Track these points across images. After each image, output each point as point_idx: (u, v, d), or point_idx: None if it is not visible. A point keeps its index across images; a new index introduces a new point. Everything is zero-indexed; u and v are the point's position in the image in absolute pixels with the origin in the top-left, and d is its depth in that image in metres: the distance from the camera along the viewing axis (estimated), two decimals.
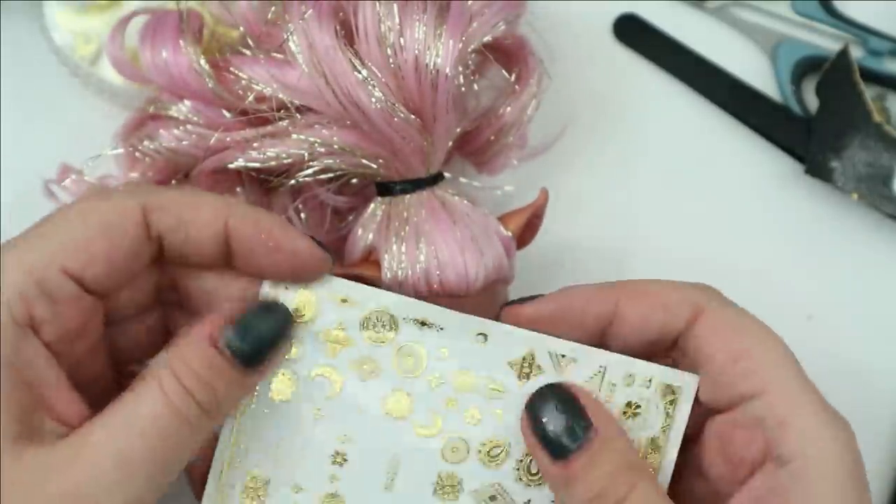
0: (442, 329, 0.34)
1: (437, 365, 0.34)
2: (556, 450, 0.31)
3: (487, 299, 0.37)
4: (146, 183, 0.35)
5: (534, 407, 0.33)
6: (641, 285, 0.34)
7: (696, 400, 0.34)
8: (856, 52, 0.49)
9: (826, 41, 0.50)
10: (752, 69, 0.50)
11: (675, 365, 0.34)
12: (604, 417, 0.32)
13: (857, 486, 0.31)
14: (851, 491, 0.31)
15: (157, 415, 0.29)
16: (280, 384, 0.34)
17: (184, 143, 0.38)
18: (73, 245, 0.30)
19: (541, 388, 0.33)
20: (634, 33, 0.50)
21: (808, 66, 0.49)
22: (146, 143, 0.39)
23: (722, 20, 0.51)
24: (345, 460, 0.34)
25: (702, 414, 0.34)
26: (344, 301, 0.34)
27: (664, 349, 0.34)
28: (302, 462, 0.34)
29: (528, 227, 0.39)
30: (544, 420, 0.32)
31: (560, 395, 0.32)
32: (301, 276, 0.33)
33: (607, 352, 0.34)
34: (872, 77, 0.49)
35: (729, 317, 0.33)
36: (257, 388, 0.33)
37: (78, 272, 0.30)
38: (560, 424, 0.32)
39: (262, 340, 0.31)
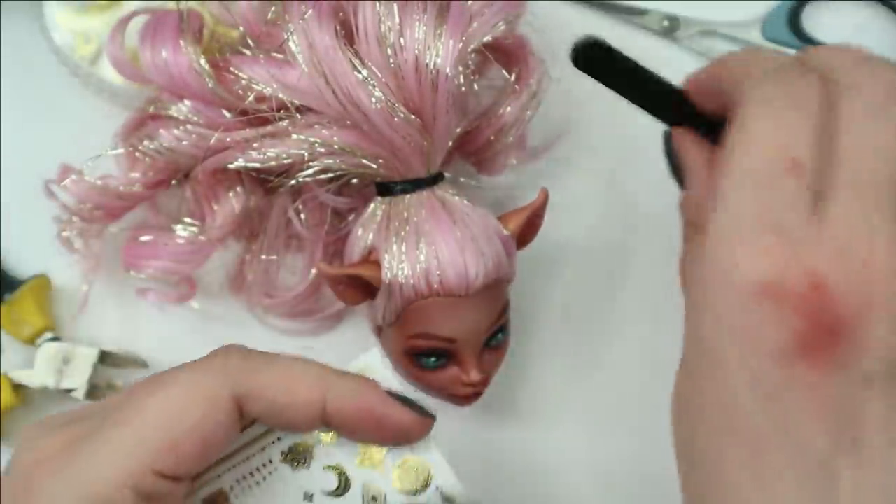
0: None
1: None
2: None
3: (487, 299, 0.37)
4: (237, 352, 0.32)
5: None
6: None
7: None
8: None
9: None
10: None
11: None
12: None
13: None
14: None
15: None
16: None
17: (184, 143, 0.38)
18: (167, 446, 0.29)
19: None
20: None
21: None
22: (146, 143, 0.39)
23: (693, 51, 0.49)
24: None
25: None
26: None
27: None
28: None
29: (528, 227, 0.39)
30: None
31: None
32: (403, 444, 0.32)
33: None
34: None
35: None
36: None
37: (172, 471, 0.29)
38: None
39: None
